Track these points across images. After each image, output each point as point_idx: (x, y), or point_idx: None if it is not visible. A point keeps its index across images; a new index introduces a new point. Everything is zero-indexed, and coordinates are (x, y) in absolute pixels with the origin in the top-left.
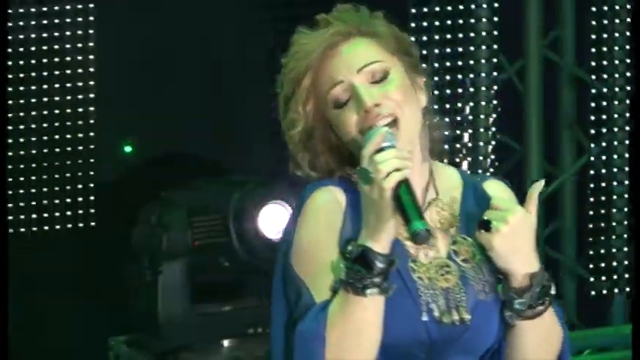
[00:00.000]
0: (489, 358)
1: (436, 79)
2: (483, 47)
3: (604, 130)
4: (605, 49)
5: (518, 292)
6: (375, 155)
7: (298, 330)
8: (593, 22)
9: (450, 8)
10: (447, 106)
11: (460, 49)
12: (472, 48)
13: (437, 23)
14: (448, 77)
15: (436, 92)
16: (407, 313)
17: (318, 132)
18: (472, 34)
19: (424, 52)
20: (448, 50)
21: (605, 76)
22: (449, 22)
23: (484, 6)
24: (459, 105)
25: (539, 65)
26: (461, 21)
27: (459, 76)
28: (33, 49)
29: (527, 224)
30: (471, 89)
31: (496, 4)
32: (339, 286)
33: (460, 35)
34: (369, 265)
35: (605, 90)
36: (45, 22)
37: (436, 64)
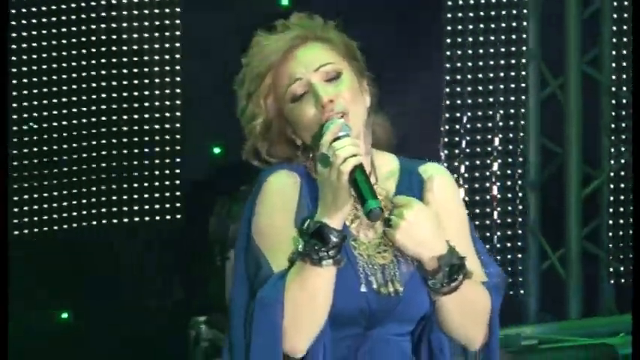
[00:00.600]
0: (423, 325)
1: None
2: (532, 65)
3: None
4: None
5: (430, 274)
6: (334, 142)
7: (258, 297)
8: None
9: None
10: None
11: (510, 63)
12: (523, 62)
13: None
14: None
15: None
16: (349, 285)
17: (275, 124)
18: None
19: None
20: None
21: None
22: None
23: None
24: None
25: (579, 80)
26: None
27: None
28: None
29: (425, 215)
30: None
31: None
32: (297, 257)
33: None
34: (325, 240)
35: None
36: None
37: (491, 74)
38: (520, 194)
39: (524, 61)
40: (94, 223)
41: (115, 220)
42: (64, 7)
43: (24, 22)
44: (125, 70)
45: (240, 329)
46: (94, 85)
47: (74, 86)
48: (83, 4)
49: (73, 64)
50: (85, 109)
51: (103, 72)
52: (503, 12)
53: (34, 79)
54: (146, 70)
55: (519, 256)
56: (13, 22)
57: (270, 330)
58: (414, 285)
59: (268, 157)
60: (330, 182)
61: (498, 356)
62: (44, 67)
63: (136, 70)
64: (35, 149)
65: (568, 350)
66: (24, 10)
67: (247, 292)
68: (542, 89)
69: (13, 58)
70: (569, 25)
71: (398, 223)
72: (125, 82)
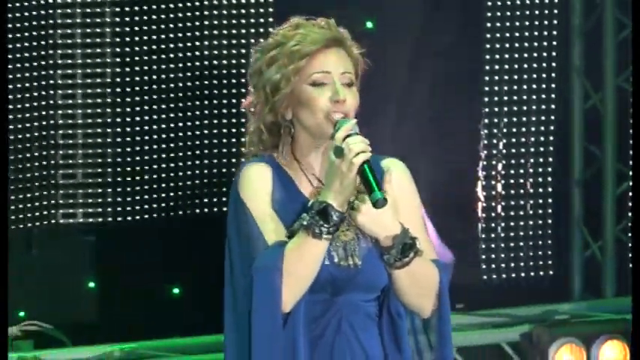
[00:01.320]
0: (384, 295)
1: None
2: (577, 80)
3: None
4: None
5: (385, 250)
6: (348, 138)
7: (258, 265)
8: None
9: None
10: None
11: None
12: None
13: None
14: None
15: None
16: None
17: (271, 100)
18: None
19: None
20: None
21: None
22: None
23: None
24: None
25: (615, 95)
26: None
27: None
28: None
29: None
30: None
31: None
32: (301, 230)
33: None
34: (328, 218)
35: None
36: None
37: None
38: (550, 190)
39: (553, 74)
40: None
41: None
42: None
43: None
44: (224, 81)
45: (242, 297)
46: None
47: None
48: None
49: (171, 66)
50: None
51: (206, 82)
52: (545, 32)
53: (136, 83)
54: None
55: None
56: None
57: (270, 293)
58: (371, 259)
59: (257, 142)
60: (340, 171)
61: (449, 322)
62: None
63: (234, 81)
64: (142, 144)
65: (594, 324)
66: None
67: (243, 265)
68: (585, 101)
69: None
70: (607, 47)
71: (359, 207)
72: (224, 91)
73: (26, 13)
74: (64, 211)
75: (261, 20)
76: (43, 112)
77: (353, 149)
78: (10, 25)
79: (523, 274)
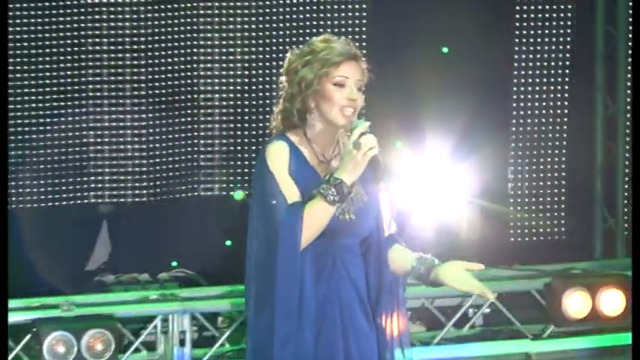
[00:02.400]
0: (373, 244)
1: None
2: (599, 95)
3: None
4: None
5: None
6: (363, 136)
7: (285, 218)
8: None
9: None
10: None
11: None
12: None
13: None
14: None
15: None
16: None
17: (300, 96)
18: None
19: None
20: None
21: None
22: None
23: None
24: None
25: (627, 106)
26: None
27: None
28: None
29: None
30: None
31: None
32: (318, 196)
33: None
34: (339, 190)
35: None
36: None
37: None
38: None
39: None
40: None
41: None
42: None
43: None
44: None
45: (267, 236)
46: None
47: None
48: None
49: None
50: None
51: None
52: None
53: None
54: None
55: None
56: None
57: (293, 237)
58: (360, 214)
59: (282, 124)
60: (355, 159)
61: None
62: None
63: None
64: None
65: (599, 277)
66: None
67: (267, 216)
68: (605, 111)
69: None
70: (619, 70)
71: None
72: None
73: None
74: (204, 186)
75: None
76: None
77: (367, 144)
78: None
79: (557, 238)
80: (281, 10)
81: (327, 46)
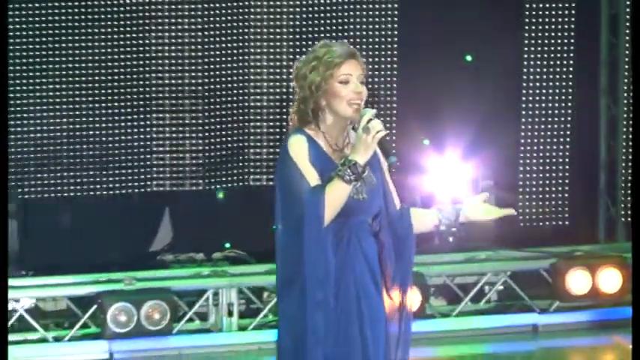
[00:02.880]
0: (378, 221)
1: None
2: (603, 99)
3: None
4: None
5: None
6: (371, 122)
7: (308, 197)
8: None
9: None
10: None
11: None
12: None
13: None
14: None
15: None
16: None
17: (312, 96)
18: None
19: None
20: None
21: None
22: None
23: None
24: None
25: (626, 108)
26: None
27: None
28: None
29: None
30: None
31: None
32: (336, 176)
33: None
34: (354, 170)
35: None
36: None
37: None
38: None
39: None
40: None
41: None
42: None
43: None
44: None
45: (295, 224)
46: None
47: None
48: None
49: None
50: None
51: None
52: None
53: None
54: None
55: None
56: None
57: (318, 214)
58: (371, 195)
59: (299, 121)
60: (366, 142)
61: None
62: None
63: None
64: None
65: (599, 258)
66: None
67: (293, 198)
68: (607, 112)
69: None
70: (620, 75)
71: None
72: None
73: None
74: (254, 177)
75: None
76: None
77: (375, 128)
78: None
79: (562, 224)
80: (314, 11)
81: (328, 50)
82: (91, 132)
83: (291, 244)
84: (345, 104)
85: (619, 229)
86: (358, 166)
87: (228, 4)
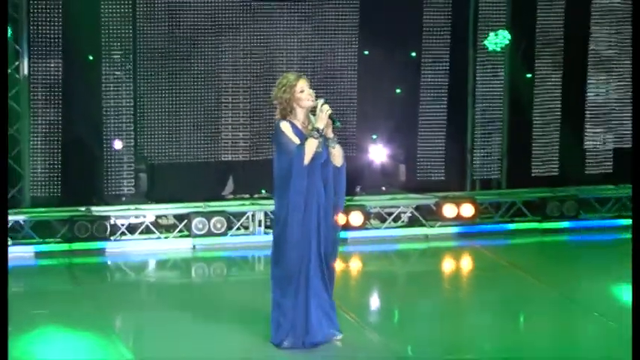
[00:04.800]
0: (327, 168)
1: None
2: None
3: None
4: None
5: (328, 142)
6: (323, 105)
7: (297, 151)
8: None
9: None
10: None
11: None
12: None
13: None
14: None
15: None
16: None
17: (290, 102)
18: None
19: None
20: None
21: None
22: None
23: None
24: None
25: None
26: None
27: None
28: None
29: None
30: None
31: None
32: (309, 136)
33: None
34: (318, 131)
35: None
36: None
37: None
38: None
39: None
40: None
41: None
42: None
43: None
44: None
45: (287, 165)
46: None
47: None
48: None
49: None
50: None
51: None
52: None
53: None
54: None
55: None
56: None
57: (301, 158)
58: (323, 150)
59: (283, 115)
60: (321, 116)
61: (344, 179)
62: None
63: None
64: None
65: (460, 199)
66: None
67: (287, 151)
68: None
69: None
70: None
71: (333, 149)
72: None
73: None
74: None
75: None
76: None
77: (325, 108)
78: None
79: (442, 177)
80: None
81: (287, 79)
82: (194, 118)
83: (285, 174)
84: (305, 101)
85: (474, 183)
86: (320, 129)
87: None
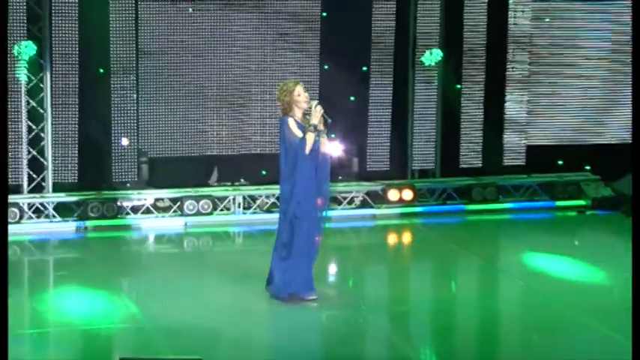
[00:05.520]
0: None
1: None
2: None
3: None
4: None
5: (319, 133)
6: (317, 106)
7: (300, 142)
8: None
9: None
10: None
11: None
12: None
13: None
14: None
15: None
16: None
17: (290, 103)
18: None
19: None
20: None
21: None
22: None
23: None
24: None
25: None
26: None
27: None
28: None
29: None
30: None
31: None
32: (308, 131)
33: None
34: (314, 126)
35: None
36: None
37: None
38: None
39: None
40: None
41: None
42: None
43: None
44: None
45: (293, 152)
46: None
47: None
48: None
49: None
50: None
51: None
52: None
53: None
54: None
55: None
56: None
57: (303, 146)
58: (317, 142)
59: (283, 112)
60: (316, 114)
61: (328, 166)
62: None
63: None
64: None
65: (406, 185)
66: None
67: (291, 143)
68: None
69: None
70: None
71: (324, 139)
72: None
73: None
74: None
75: None
76: None
77: (318, 108)
78: None
79: (386, 167)
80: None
81: (287, 85)
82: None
83: (290, 162)
84: (302, 104)
85: (414, 172)
86: (315, 125)
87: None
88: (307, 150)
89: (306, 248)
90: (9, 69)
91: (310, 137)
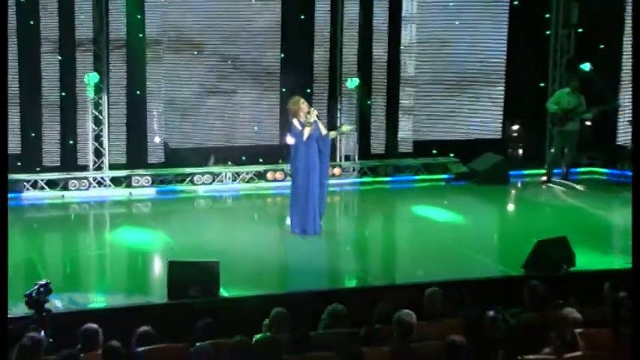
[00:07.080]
0: (320, 147)
1: None
2: None
3: None
4: None
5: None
6: (313, 112)
7: (300, 133)
8: None
9: None
10: None
11: None
12: None
13: None
14: None
15: None
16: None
17: (297, 112)
18: None
19: None
20: None
21: None
22: None
23: None
24: None
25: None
26: None
27: None
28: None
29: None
30: None
31: None
32: (307, 125)
33: None
34: (310, 123)
35: None
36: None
37: None
38: None
39: None
40: None
41: None
42: None
43: None
44: None
45: (296, 140)
46: None
47: None
48: None
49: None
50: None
51: None
52: None
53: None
54: None
55: None
56: None
57: (302, 136)
58: (315, 132)
59: (293, 116)
60: (313, 114)
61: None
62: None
63: None
64: None
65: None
66: None
67: (297, 135)
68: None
69: None
70: None
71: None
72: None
73: None
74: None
75: None
76: None
77: (314, 112)
78: None
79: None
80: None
81: (296, 100)
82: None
83: (295, 146)
84: (305, 111)
85: (341, 157)
86: (312, 121)
87: None
88: (304, 137)
89: (297, 198)
90: (81, 90)
91: (307, 129)
